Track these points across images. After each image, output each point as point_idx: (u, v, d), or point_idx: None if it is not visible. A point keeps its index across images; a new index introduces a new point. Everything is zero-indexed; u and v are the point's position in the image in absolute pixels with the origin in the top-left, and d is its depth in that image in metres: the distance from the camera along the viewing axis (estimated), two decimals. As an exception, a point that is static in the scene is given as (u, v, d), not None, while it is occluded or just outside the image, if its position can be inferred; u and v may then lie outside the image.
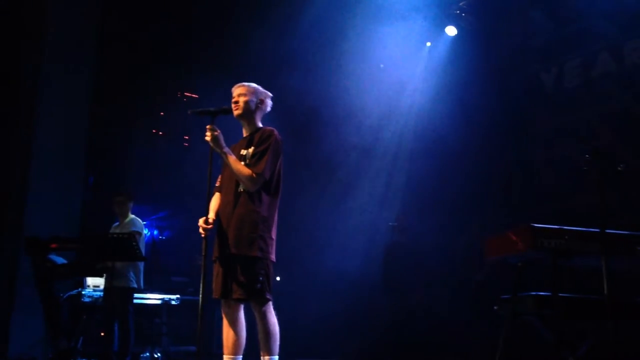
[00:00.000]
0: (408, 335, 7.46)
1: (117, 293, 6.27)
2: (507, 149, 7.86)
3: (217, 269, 4.06)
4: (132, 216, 6.81)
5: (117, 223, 6.83)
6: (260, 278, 3.89)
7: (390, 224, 8.11)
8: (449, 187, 8.23)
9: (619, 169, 3.81)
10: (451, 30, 8.49)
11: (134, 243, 5.83)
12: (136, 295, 7.16)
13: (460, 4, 8.25)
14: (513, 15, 7.94)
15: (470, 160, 7.93)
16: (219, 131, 3.99)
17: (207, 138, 3.97)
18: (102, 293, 6.52)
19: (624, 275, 4.20)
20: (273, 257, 4.03)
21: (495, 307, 4.01)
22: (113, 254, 5.90)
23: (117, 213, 6.83)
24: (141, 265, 6.63)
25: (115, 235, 6.10)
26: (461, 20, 8.36)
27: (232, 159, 3.99)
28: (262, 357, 3.96)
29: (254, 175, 3.95)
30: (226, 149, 4.01)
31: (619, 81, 6.83)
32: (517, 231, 3.57)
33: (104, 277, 6.40)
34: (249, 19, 9.04)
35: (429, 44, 9.02)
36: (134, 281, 6.49)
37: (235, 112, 4.19)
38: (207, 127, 3.98)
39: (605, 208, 3.42)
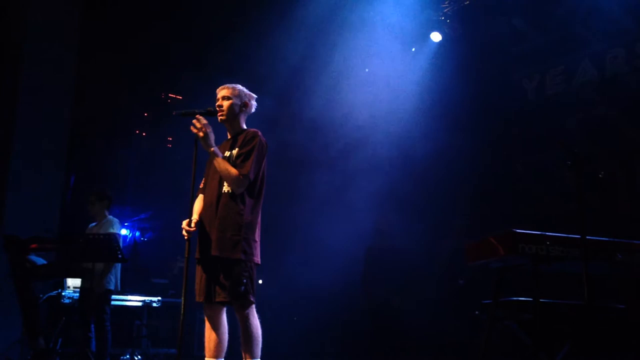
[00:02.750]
0: (389, 339, 7.47)
1: (90, 293, 6.19)
2: (489, 155, 7.91)
3: (200, 272, 4.04)
4: (109, 217, 6.71)
5: (94, 224, 6.75)
6: (244, 280, 3.88)
7: (372, 227, 8.13)
8: (431, 192, 8.26)
9: (600, 175, 3.86)
10: (436, 36, 8.54)
11: (114, 244, 5.79)
12: (117, 297, 7.11)
13: (445, 10, 8.30)
14: (496, 22, 8.00)
15: (452, 165, 7.97)
16: (210, 128, 3.97)
17: (195, 130, 3.92)
18: (81, 294, 6.46)
19: (604, 281, 4.25)
20: (257, 259, 4.02)
21: (476, 312, 4.04)
22: (94, 255, 5.84)
23: (91, 213, 6.75)
24: (118, 266, 6.57)
25: (95, 236, 6.04)
26: (446, 26, 8.41)
27: (219, 158, 3.98)
28: (243, 360, 3.95)
29: (240, 176, 3.94)
30: (215, 149, 3.99)
31: (600, 89, 6.90)
32: (498, 236, 3.59)
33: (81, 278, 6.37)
34: (232, 21, 9.02)
35: (413, 49, 9.06)
36: (111, 283, 6.42)
37: (219, 118, 4.18)
38: (197, 119, 3.93)
39: (585, 214, 3.45)
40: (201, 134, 3.92)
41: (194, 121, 3.93)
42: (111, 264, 6.29)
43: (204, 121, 3.94)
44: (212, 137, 3.97)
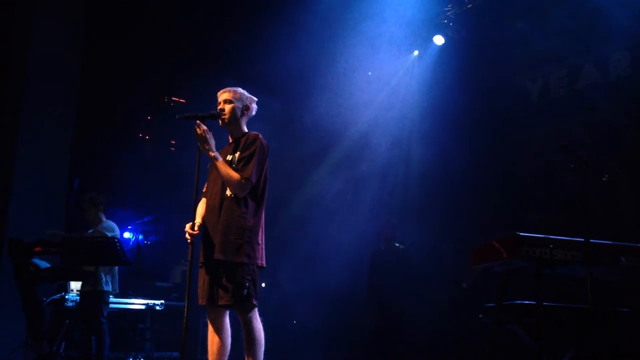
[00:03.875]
0: (393, 343, 7.46)
1: (90, 296, 6.19)
2: (492, 158, 7.90)
3: (203, 275, 4.04)
4: (107, 221, 6.71)
5: (92, 230, 6.74)
6: (247, 284, 3.88)
7: (376, 232, 8.12)
8: (435, 195, 8.25)
9: (604, 179, 3.85)
10: (439, 40, 8.53)
11: (118, 247, 5.79)
12: (120, 300, 7.12)
13: (448, 13, 8.30)
14: (500, 25, 7.99)
15: (456, 169, 7.95)
16: (210, 133, 3.98)
17: (196, 134, 3.94)
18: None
19: (607, 284, 4.23)
20: (260, 262, 4.01)
21: (480, 315, 4.02)
22: (97, 258, 5.85)
23: (88, 221, 6.75)
24: (116, 268, 6.57)
25: (99, 240, 6.05)
26: (448, 29, 8.41)
27: (220, 163, 3.98)
28: (246, 364, 3.94)
29: (242, 180, 3.94)
30: (215, 153, 4.00)
31: (605, 92, 6.89)
32: (502, 240, 3.58)
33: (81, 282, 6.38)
34: (235, 24, 9.04)
35: (416, 52, 9.06)
36: (109, 285, 6.43)
37: (221, 123, 4.19)
38: (197, 124, 3.95)
39: (589, 217, 3.44)
40: (197, 133, 3.94)
41: (195, 126, 3.95)
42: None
43: (204, 127, 3.96)
44: (212, 142, 3.98)
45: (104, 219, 6.72)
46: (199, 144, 3.97)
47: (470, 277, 6.99)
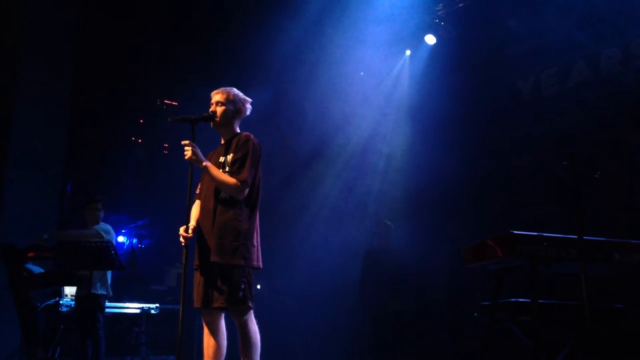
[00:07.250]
0: (387, 343, 7.46)
1: (85, 301, 6.17)
2: (485, 156, 7.91)
3: (197, 278, 4.03)
4: (102, 224, 6.71)
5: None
6: (242, 286, 3.87)
7: (370, 230, 8.13)
8: (429, 194, 8.26)
9: (596, 176, 3.86)
10: (430, 39, 8.55)
11: (112, 251, 5.77)
12: (115, 304, 7.09)
13: (439, 12, 8.32)
14: (491, 24, 8.02)
15: (449, 168, 7.97)
16: (196, 147, 3.95)
17: (187, 156, 3.93)
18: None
19: (602, 281, 4.25)
20: (256, 263, 4.01)
21: (475, 314, 4.03)
22: (91, 262, 5.82)
23: (87, 219, 6.73)
24: (109, 272, 6.55)
25: (92, 244, 6.02)
26: (440, 28, 8.43)
27: (214, 171, 3.97)
28: (242, 366, 3.93)
29: (238, 183, 3.93)
30: (207, 163, 3.98)
31: (596, 90, 6.91)
32: (496, 238, 3.59)
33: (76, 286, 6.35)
34: (228, 26, 9.03)
35: (408, 52, 9.08)
36: (103, 289, 6.41)
37: (213, 125, 4.18)
38: (183, 143, 3.94)
39: (582, 215, 3.45)
40: (187, 155, 3.92)
41: (184, 151, 3.92)
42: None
43: (186, 141, 3.93)
44: (199, 152, 3.95)
45: (101, 221, 6.72)
46: (191, 162, 3.94)
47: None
